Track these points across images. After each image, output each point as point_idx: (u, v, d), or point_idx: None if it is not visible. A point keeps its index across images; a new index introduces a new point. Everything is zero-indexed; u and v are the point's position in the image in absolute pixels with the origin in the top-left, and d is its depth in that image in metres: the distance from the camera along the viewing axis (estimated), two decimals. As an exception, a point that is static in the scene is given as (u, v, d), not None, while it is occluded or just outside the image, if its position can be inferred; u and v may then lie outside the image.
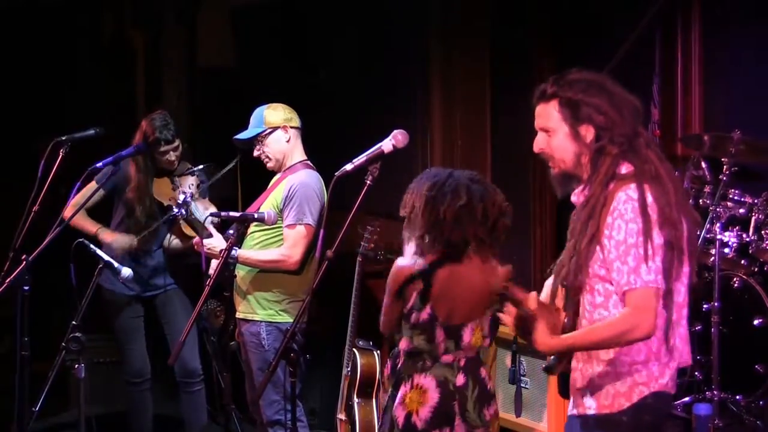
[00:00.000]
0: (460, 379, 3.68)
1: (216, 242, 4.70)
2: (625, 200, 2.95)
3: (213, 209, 5.01)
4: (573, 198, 3.14)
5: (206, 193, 5.17)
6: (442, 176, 3.65)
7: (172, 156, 5.20)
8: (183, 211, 4.82)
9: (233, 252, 4.53)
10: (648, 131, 5.49)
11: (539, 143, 3.13)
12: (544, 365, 3.17)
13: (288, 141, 4.81)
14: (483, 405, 3.71)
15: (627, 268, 2.91)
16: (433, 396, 3.65)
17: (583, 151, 3.05)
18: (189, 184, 5.06)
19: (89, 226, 5.19)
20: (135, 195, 5.18)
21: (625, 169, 3.02)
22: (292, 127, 4.83)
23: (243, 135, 4.84)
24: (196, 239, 4.75)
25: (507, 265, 3.70)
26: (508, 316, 3.09)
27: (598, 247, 2.97)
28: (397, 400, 3.69)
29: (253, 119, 4.86)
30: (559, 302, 3.16)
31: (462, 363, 3.69)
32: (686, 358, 3.12)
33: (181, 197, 4.82)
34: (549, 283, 3.26)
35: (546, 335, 2.96)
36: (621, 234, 2.92)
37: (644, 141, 3.07)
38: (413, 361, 3.70)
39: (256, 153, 4.86)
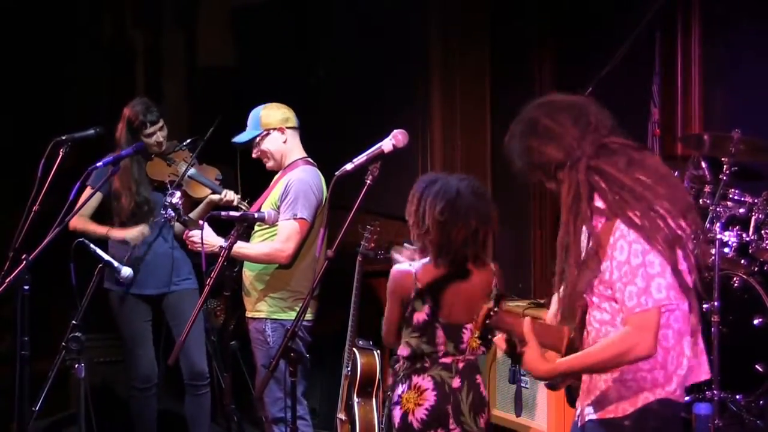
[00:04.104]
0: (456, 382, 3.70)
1: (207, 234, 4.65)
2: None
3: (216, 172, 5.18)
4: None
5: (195, 161, 5.20)
6: (451, 194, 3.64)
7: (159, 137, 5.19)
8: (171, 212, 4.79)
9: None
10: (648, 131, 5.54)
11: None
12: (546, 381, 3.10)
13: (285, 142, 4.82)
14: (478, 411, 3.74)
15: (636, 290, 2.83)
16: (430, 397, 3.67)
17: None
18: (183, 158, 5.14)
19: (98, 228, 5.17)
20: (120, 182, 5.11)
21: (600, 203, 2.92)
22: (288, 128, 4.83)
23: (240, 138, 4.86)
24: (185, 232, 4.76)
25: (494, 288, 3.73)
26: (501, 341, 2.98)
27: (603, 265, 2.89)
28: (394, 400, 3.71)
29: (249, 121, 4.86)
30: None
31: (460, 366, 3.71)
32: (699, 372, 3.10)
33: (169, 199, 4.79)
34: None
35: (537, 361, 2.91)
36: (624, 255, 2.85)
37: (611, 139, 2.97)
38: (412, 363, 3.72)
39: (255, 154, 4.87)
